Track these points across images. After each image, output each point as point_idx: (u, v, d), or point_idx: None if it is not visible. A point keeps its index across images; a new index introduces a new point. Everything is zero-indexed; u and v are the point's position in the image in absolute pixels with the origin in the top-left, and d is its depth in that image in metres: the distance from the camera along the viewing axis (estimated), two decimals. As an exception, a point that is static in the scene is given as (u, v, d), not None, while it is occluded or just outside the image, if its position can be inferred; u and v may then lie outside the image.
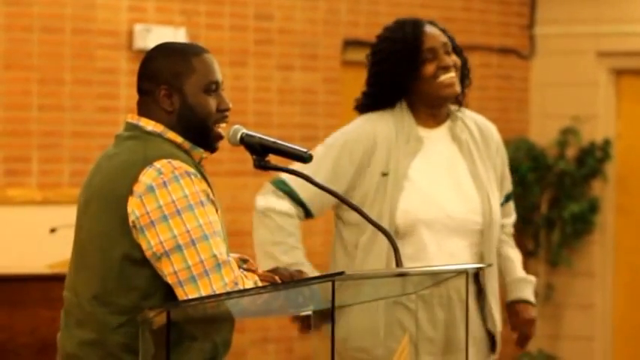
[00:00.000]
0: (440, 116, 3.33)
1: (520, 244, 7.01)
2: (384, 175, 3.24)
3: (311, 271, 3.18)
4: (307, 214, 3.29)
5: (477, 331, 3.32)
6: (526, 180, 6.85)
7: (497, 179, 3.38)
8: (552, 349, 7.05)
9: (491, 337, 3.36)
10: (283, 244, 3.26)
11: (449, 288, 3.22)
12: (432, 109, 3.31)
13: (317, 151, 3.28)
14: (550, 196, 6.99)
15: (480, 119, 3.43)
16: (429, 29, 3.30)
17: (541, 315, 7.13)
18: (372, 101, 3.33)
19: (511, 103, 7.03)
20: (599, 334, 6.99)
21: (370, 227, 3.14)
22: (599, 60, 6.96)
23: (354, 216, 3.19)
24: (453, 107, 3.36)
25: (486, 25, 6.84)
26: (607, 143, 6.93)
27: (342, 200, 2.64)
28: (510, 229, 3.52)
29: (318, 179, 2.97)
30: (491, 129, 3.42)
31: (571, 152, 6.99)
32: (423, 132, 3.32)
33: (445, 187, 3.29)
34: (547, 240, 6.98)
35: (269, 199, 3.28)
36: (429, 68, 3.26)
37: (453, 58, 3.29)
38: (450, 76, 3.26)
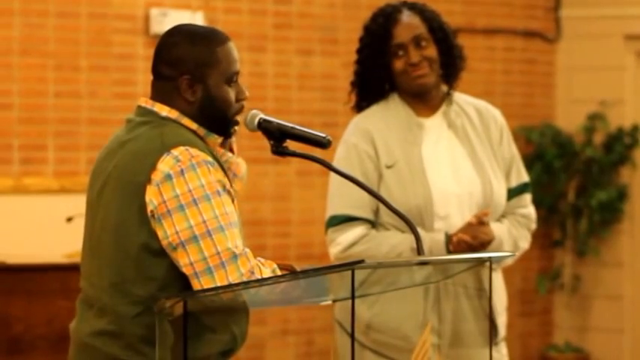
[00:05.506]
0: (431, 103, 3.32)
1: (546, 233, 6.98)
2: (389, 167, 3.24)
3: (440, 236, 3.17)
4: (371, 224, 3.25)
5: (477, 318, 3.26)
6: (552, 167, 6.76)
7: (500, 163, 3.34)
8: (580, 342, 6.97)
9: (493, 324, 3.29)
10: (391, 251, 3.20)
11: (454, 278, 3.16)
12: (417, 97, 3.30)
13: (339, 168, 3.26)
14: (577, 184, 6.89)
15: (482, 104, 3.40)
16: (404, 19, 3.28)
17: (568, 306, 7.09)
18: (360, 97, 3.33)
19: (536, 88, 6.94)
20: (628, 326, 6.91)
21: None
22: (627, 43, 6.85)
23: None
24: (445, 89, 3.33)
25: (510, 7, 6.73)
26: (635, 129, 6.82)
27: (367, 190, 2.61)
28: (523, 220, 3.36)
29: (357, 194, 3.03)
30: (493, 114, 3.38)
31: (598, 138, 6.89)
32: (420, 121, 3.31)
33: (447, 175, 3.27)
34: (574, 229, 6.89)
35: (339, 241, 3.25)
36: (398, 65, 3.28)
37: (424, 53, 3.26)
38: (420, 73, 3.25)
